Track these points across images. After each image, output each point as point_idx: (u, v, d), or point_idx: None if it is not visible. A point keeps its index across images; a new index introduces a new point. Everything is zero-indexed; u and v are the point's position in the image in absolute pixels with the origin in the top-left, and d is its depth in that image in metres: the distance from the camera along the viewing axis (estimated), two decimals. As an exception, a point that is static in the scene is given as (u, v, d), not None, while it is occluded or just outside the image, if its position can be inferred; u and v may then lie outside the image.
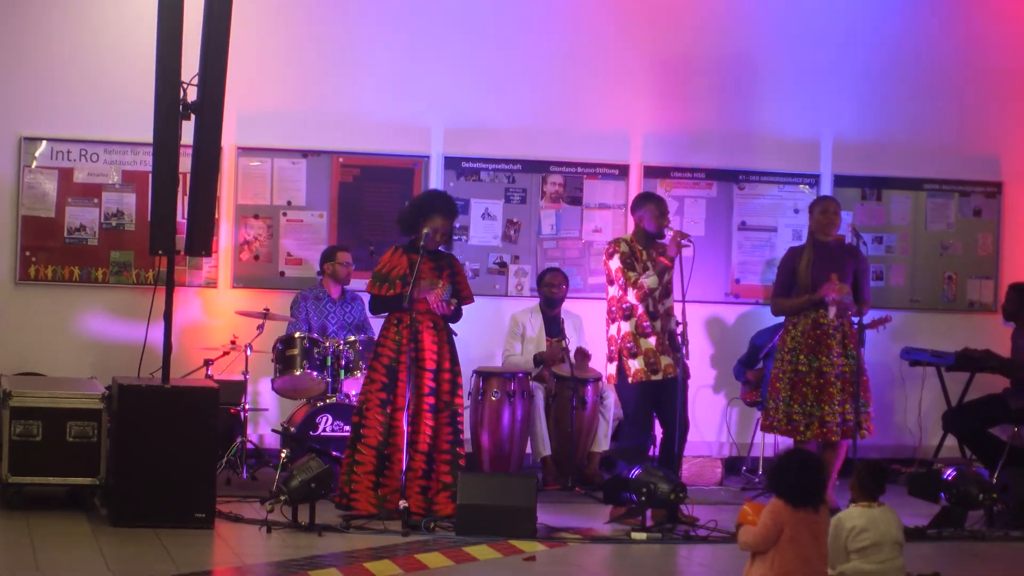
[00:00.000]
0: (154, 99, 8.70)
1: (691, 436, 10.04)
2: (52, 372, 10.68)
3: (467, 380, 9.81)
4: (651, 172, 11.69)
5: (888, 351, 11.86)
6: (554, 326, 11.02)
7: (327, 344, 10.19)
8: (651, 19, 11.75)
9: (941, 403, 11.69)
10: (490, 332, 11.19)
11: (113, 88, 10.86)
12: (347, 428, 10.02)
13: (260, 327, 10.45)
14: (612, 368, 9.64)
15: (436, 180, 11.41)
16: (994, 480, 10.05)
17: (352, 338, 10.30)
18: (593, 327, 11.01)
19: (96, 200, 11.01)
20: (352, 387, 10.29)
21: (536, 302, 11.18)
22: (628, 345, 9.54)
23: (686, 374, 9.63)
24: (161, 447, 8.58)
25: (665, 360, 9.52)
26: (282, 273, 11.29)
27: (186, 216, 9.13)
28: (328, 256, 10.79)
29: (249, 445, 10.48)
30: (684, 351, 9.49)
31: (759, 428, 10.73)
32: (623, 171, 11.77)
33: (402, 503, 8.72)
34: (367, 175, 11.42)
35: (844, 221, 10.33)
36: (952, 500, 9.20)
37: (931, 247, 12.25)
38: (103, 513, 8.86)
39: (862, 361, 9.90)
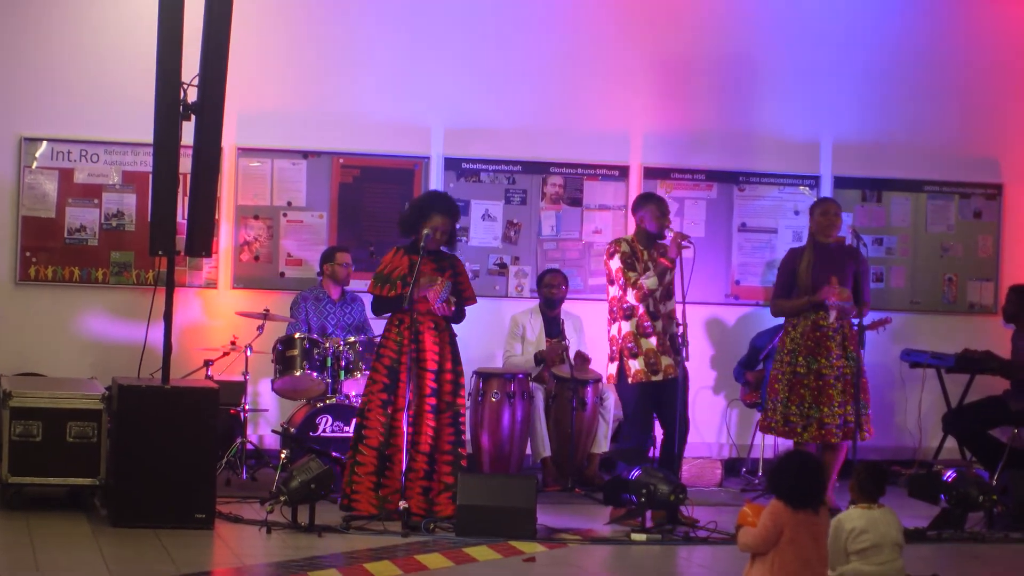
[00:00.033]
0: (154, 100, 8.70)
1: (691, 437, 10.04)
2: (52, 372, 10.68)
3: (467, 381, 9.80)
4: (651, 173, 11.69)
5: (888, 353, 11.86)
6: (554, 327, 11.02)
7: (327, 345, 10.19)
8: (651, 20, 11.76)
9: (941, 405, 11.69)
10: (490, 333, 11.18)
11: (113, 89, 10.86)
12: (347, 429, 10.03)
13: (260, 328, 10.45)
14: (613, 368, 9.64)
15: (436, 181, 11.41)
16: (994, 482, 10.05)
17: (352, 339, 10.30)
18: (593, 328, 11.01)
19: (96, 200, 11.01)
20: (352, 388, 10.29)
21: (536, 303, 11.18)
22: (629, 345, 9.54)
23: (686, 378, 9.62)
24: (161, 448, 8.58)
25: (666, 360, 9.52)
26: (282, 274, 11.29)
27: (186, 217, 9.13)
28: (327, 257, 10.79)
29: (249, 446, 10.48)
30: (684, 353, 9.49)
31: (758, 429, 10.74)
32: (623, 172, 11.77)
33: (402, 504, 8.71)
34: (367, 176, 11.42)
35: (844, 223, 10.32)
36: (952, 502, 9.20)
37: (931, 249, 12.25)
38: (103, 513, 8.86)
39: (862, 363, 9.90)
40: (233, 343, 10.47)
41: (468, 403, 10.20)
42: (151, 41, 8.69)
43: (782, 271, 10.13)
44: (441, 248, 9.23)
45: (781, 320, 10.22)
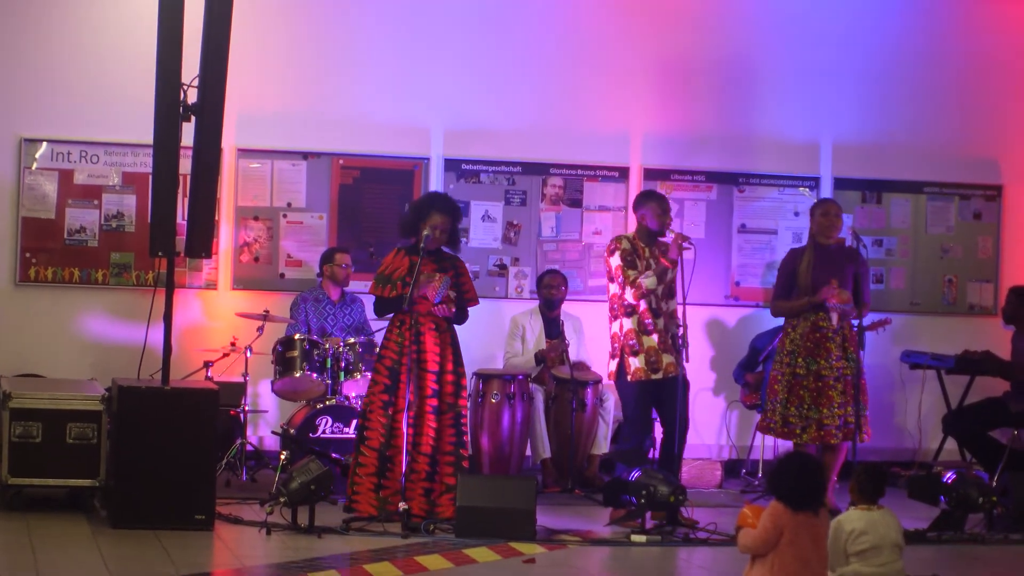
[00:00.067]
0: (154, 100, 8.70)
1: (691, 439, 10.03)
2: (52, 373, 10.68)
3: (468, 382, 9.80)
4: (651, 174, 11.69)
5: (888, 354, 11.86)
6: (554, 328, 11.02)
7: (327, 346, 10.19)
8: (651, 21, 11.76)
9: (941, 406, 11.69)
10: (490, 334, 11.18)
11: (113, 89, 10.86)
12: (346, 430, 10.04)
13: (260, 329, 10.44)
14: (613, 365, 9.63)
15: (436, 182, 11.41)
16: (994, 483, 10.04)
17: (352, 340, 10.30)
18: (593, 329, 11.02)
19: (96, 201, 11.01)
20: (352, 389, 10.29)
21: (536, 304, 11.18)
22: (631, 342, 9.52)
23: (686, 379, 9.61)
24: (161, 449, 8.58)
25: (667, 359, 9.49)
26: (282, 275, 11.29)
27: (186, 218, 9.13)
28: (327, 258, 10.80)
29: (249, 447, 10.48)
30: (684, 354, 9.48)
31: (756, 428, 10.74)
32: (623, 173, 11.77)
33: (402, 505, 8.71)
34: (367, 177, 11.42)
35: (844, 224, 10.32)
36: (952, 503, 9.20)
37: (931, 250, 12.25)
38: (103, 515, 8.86)
39: (861, 364, 9.91)
40: (233, 344, 10.47)
41: (468, 404, 10.19)
42: (151, 42, 8.70)
43: (782, 272, 10.14)
44: (443, 249, 9.21)
45: (781, 321, 10.22)
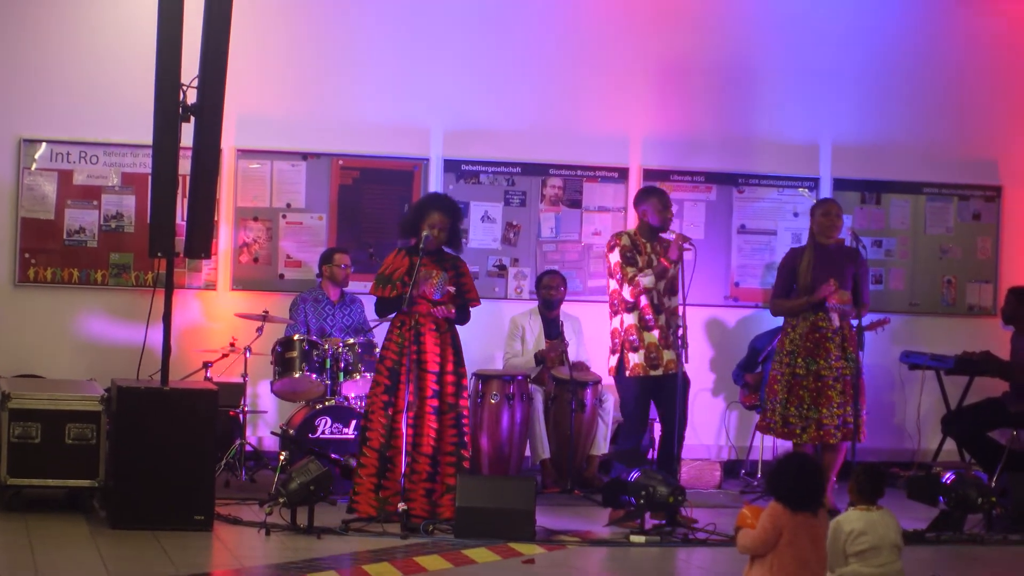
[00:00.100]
0: (154, 101, 8.70)
1: (690, 439, 10.04)
2: (51, 374, 10.68)
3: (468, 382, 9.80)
4: (650, 175, 11.68)
5: (887, 355, 11.86)
6: (553, 328, 11.02)
7: (326, 346, 10.19)
8: (651, 22, 11.76)
9: (940, 407, 11.69)
10: (489, 335, 11.18)
11: (113, 90, 10.86)
12: (346, 431, 10.05)
13: (259, 329, 10.45)
14: (613, 360, 9.61)
15: (435, 183, 11.41)
16: (993, 484, 10.04)
17: (351, 340, 10.30)
18: (592, 329, 11.02)
19: (95, 202, 11.01)
20: (351, 390, 10.29)
21: (535, 304, 11.18)
22: (631, 338, 9.51)
23: (686, 383, 9.60)
24: (160, 449, 8.57)
25: (668, 355, 9.48)
26: (281, 275, 11.29)
27: (185, 218, 9.13)
28: (326, 258, 10.80)
29: (248, 447, 10.48)
30: (684, 354, 9.48)
31: (755, 428, 10.74)
32: (623, 174, 11.77)
33: (401, 505, 8.71)
34: (366, 177, 11.42)
35: (844, 224, 10.32)
36: (951, 504, 9.20)
37: (930, 251, 12.25)
38: (102, 515, 8.86)
39: (860, 364, 9.91)
40: (232, 345, 10.47)
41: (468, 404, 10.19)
42: (151, 42, 8.70)
43: (782, 271, 10.14)
44: (444, 249, 9.20)
45: (780, 322, 10.22)
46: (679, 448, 9.57)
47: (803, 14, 12.00)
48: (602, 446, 10.84)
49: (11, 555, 7.85)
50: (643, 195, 9.81)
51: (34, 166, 10.92)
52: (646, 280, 9.46)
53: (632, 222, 10.94)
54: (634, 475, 8.87)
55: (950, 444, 11.48)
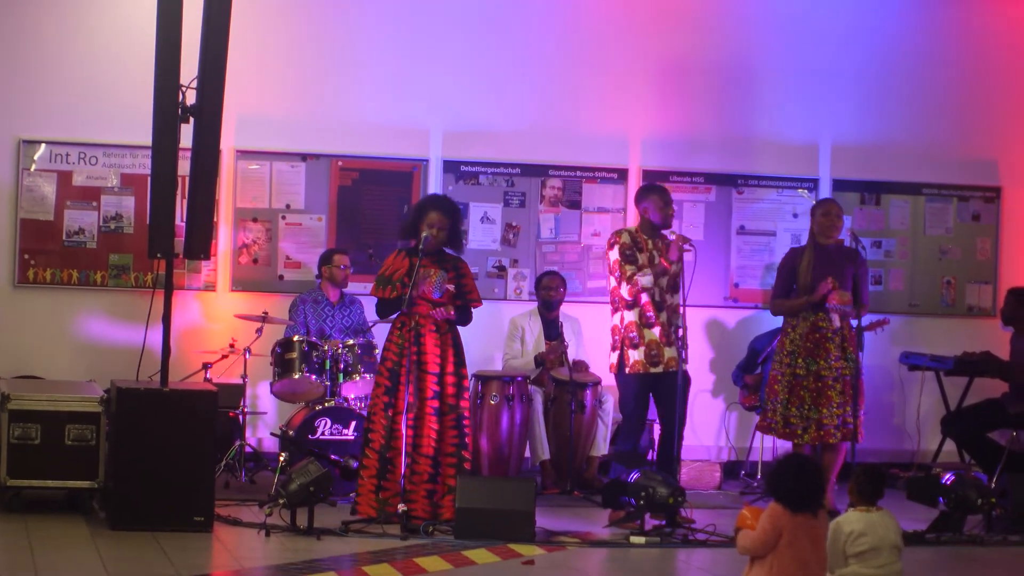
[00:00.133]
0: (153, 102, 8.70)
1: (690, 440, 10.04)
2: (50, 375, 10.68)
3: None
4: (650, 176, 11.67)
5: (887, 355, 11.87)
6: (552, 329, 11.01)
7: (326, 347, 10.18)
8: (650, 22, 11.76)
9: (940, 407, 11.69)
10: (488, 336, 11.17)
11: (112, 91, 10.86)
12: (345, 432, 10.05)
13: (259, 330, 10.44)
14: (614, 358, 9.61)
15: (435, 184, 11.41)
16: (992, 485, 10.04)
17: (351, 341, 10.30)
18: (592, 330, 11.02)
19: (95, 203, 11.01)
20: (351, 391, 10.29)
21: (534, 305, 11.18)
22: (631, 335, 9.50)
23: (687, 381, 9.60)
24: (160, 450, 8.57)
25: (668, 353, 9.47)
26: (281, 276, 11.29)
27: (185, 219, 9.13)
28: (325, 259, 10.80)
29: (248, 448, 10.48)
30: (684, 355, 9.48)
31: (756, 429, 10.74)
32: (622, 175, 11.77)
33: (401, 507, 8.71)
34: (366, 178, 11.42)
35: (844, 225, 10.31)
36: (950, 505, 9.20)
37: (930, 252, 12.25)
38: (101, 516, 8.86)
39: (860, 365, 9.91)
40: (232, 346, 10.47)
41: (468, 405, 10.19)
42: (150, 43, 8.70)
43: (782, 271, 10.14)
44: (445, 250, 9.18)
45: (780, 323, 10.22)
46: (678, 449, 9.57)
47: (803, 14, 12.00)
48: (602, 447, 10.84)
49: (11, 556, 7.84)
50: (644, 192, 9.82)
51: (33, 167, 10.92)
52: (644, 279, 9.46)
53: (631, 223, 10.95)
54: (634, 476, 8.87)
55: (950, 445, 11.48)
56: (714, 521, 9.07)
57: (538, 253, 11.65)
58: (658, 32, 11.78)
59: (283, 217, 11.30)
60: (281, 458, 9.84)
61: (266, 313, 10.42)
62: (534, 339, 11.02)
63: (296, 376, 10.16)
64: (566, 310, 11.14)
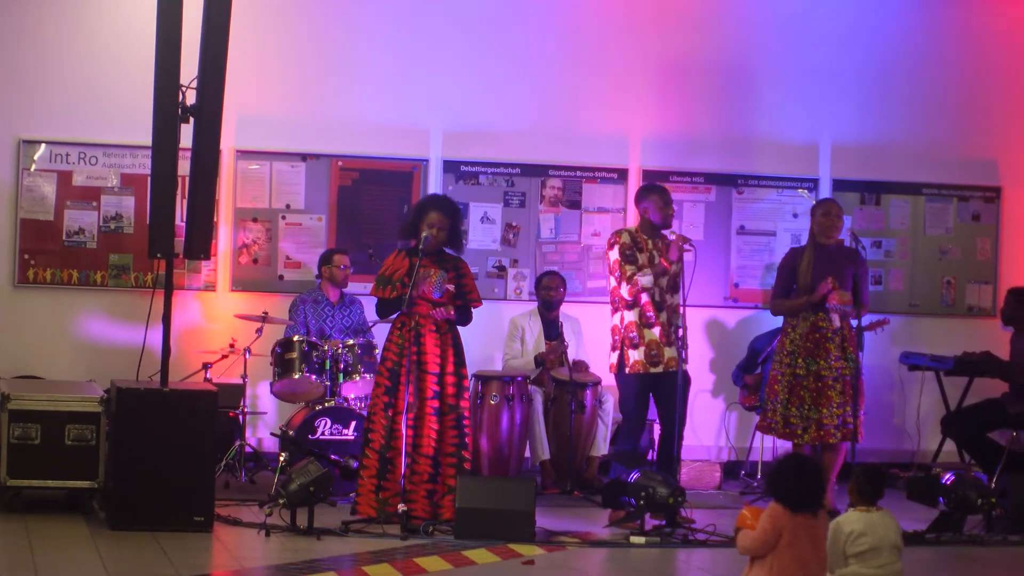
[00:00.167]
0: (153, 102, 8.70)
1: (690, 440, 10.03)
2: (50, 375, 10.68)
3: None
4: (650, 176, 11.67)
5: (887, 355, 11.86)
6: (552, 329, 11.01)
7: (326, 347, 10.18)
8: (650, 22, 11.76)
9: (940, 407, 11.69)
10: (488, 336, 11.17)
11: (112, 91, 10.86)
12: (345, 432, 10.05)
13: (259, 330, 10.44)
14: (614, 358, 9.60)
15: (435, 184, 11.41)
16: (992, 485, 10.04)
17: (351, 341, 10.30)
18: (592, 330, 11.02)
19: (95, 203, 11.01)
20: (351, 391, 10.29)
21: (534, 305, 11.18)
22: (631, 335, 9.50)
23: (687, 381, 9.60)
24: (160, 450, 8.57)
25: (669, 353, 9.46)
26: (281, 276, 11.29)
27: (185, 219, 9.13)
28: (325, 259, 10.80)
29: (248, 448, 10.48)
30: (683, 355, 9.47)
31: (756, 428, 10.74)
32: (622, 175, 11.77)
33: (401, 506, 8.71)
34: (366, 179, 11.42)
35: (844, 225, 10.31)
36: (950, 505, 9.20)
37: (930, 252, 12.25)
38: (101, 516, 8.86)
39: (860, 365, 9.91)
40: (232, 346, 10.47)
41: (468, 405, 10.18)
42: (150, 43, 8.69)
43: (782, 271, 10.15)
44: (446, 250, 9.18)
45: (780, 323, 10.22)
46: (678, 449, 9.57)
47: (803, 14, 12.00)
48: (602, 447, 10.84)
49: (11, 556, 7.84)
50: (644, 192, 9.82)
51: (33, 167, 10.92)
52: (644, 280, 9.46)
53: (632, 223, 10.95)
54: (634, 476, 8.87)
55: (950, 445, 11.48)
56: (714, 521, 9.07)
57: (538, 253, 11.65)
58: (658, 32, 11.78)
59: (283, 217, 11.30)
60: (281, 458, 9.84)
61: (266, 313, 10.42)
62: (534, 339, 11.02)
63: (296, 376, 10.16)
64: (566, 310, 11.14)
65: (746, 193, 11.97)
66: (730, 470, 11.51)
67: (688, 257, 9.61)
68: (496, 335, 11.21)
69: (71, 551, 7.99)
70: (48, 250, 10.94)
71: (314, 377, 10.16)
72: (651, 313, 9.49)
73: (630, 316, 9.51)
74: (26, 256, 10.91)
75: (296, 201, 11.31)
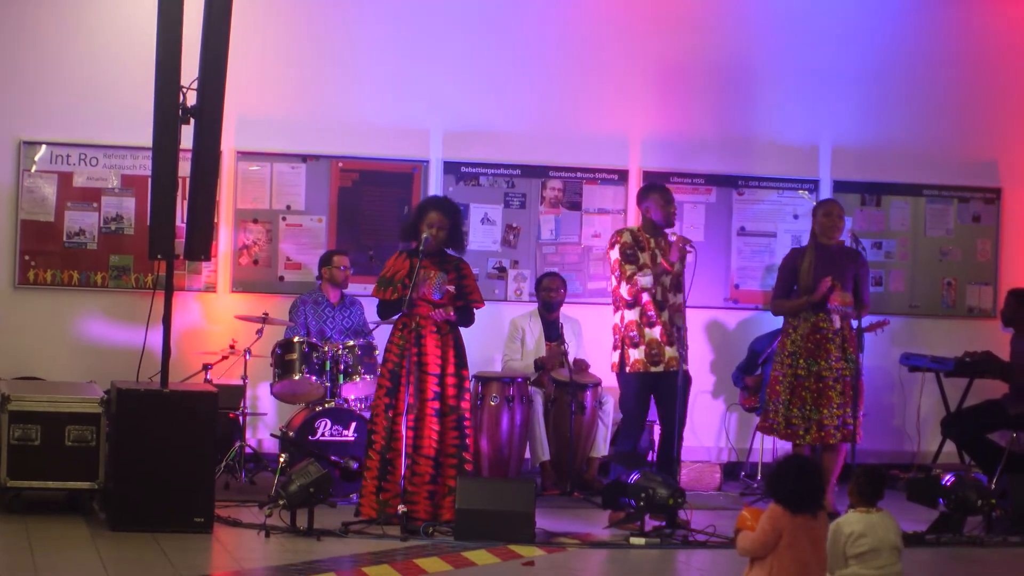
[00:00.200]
0: (153, 103, 8.70)
1: (690, 441, 10.02)
2: (51, 376, 10.68)
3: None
4: (650, 177, 11.65)
5: (887, 356, 11.86)
6: (553, 331, 11.01)
7: (326, 348, 10.18)
8: (650, 24, 11.76)
9: (940, 409, 11.69)
10: (488, 337, 11.16)
11: (112, 92, 10.86)
12: (345, 433, 10.05)
13: (259, 331, 10.45)
14: (616, 357, 9.60)
15: (435, 185, 11.41)
16: (992, 486, 10.03)
17: (351, 342, 10.30)
18: (592, 331, 11.02)
19: (95, 204, 11.01)
20: (351, 392, 10.29)
21: (535, 307, 11.18)
22: (631, 334, 9.48)
23: (687, 382, 9.59)
24: (160, 451, 8.57)
25: (669, 353, 9.45)
26: (281, 278, 11.29)
27: (185, 220, 9.13)
28: (325, 260, 10.80)
29: (248, 449, 10.48)
30: (684, 355, 9.47)
31: (756, 429, 10.74)
32: (622, 176, 11.77)
33: (401, 508, 8.70)
34: (366, 180, 11.42)
35: (846, 225, 10.31)
36: (951, 506, 9.20)
37: (930, 253, 12.25)
38: (102, 517, 8.86)
39: (860, 366, 9.91)
40: (232, 347, 10.46)
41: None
42: (150, 44, 8.70)
43: (783, 271, 10.15)
44: (447, 251, 9.18)
45: (780, 324, 10.22)
46: (678, 450, 9.56)
47: (803, 14, 12.00)
48: (602, 448, 10.84)
49: (11, 557, 7.84)
50: (645, 192, 9.81)
51: (34, 168, 10.92)
52: (644, 280, 9.44)
53: (632, 224, 10.95)
54: (634, 477, 8.87)
55: (950, 446, 11.48)
56: (714, 522, 9.07)
57: (538, 254, 11.65)
58: (658, 32, 11.79)
59: (283, 218, 11.30)
60: (281, 459, 9.84)
61: (266, 314, 10.43)
62: (534, 340, 11.02)
63: (296, 377, 10.16)
64: (566, 311, 11.14)
65: (746, 194, 11.97)
66: (730, 471, 11.51)
67: (689, 258, 9.59)
68: (496, 336, 11.21)
69: (71, 552, 7.99)
70: (48, 251, 10.94)
71: (314, 378, 10.16)
72: (652, 312, 9.48)
73: (631, 315, 9.50)
74: (26, 257, 10.92)
75: (296, 202, 11.31)
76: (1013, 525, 9.39)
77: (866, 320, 10.16)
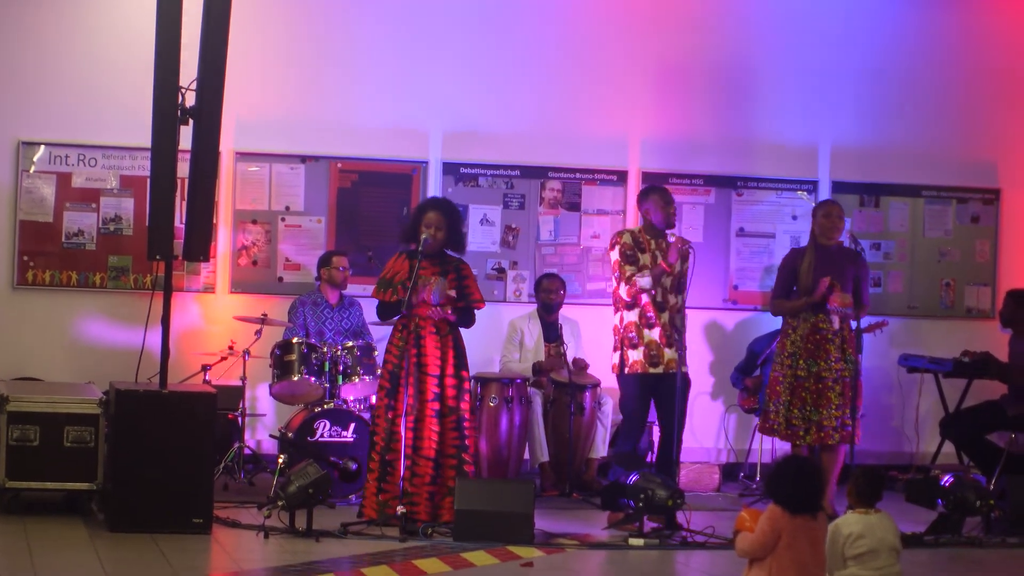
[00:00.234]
0: (152, 104, 8.70)
1: (689, 442, 10.02)
2: (49, 377, 10.68)
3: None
4: (649, 178, 11.67)
5: (886, 357, 11.86)
6: (552, 332, 11.01)
7: (325, 349, 10.18)
8: (650, 24, 11.76)
9: (938, 409, 11.69)
10: (488, 338, 11.16)
11: (111, 92, 10.86)
12: (344, 434, 10.04)
13: (258, 332, 10.44)
14: (616, 358, 9.59)
15: (434, 186, 11.41)
16: (991, 487, 10.03)
17: (350, 343, 10.30)
18: (592, 332, 11.02)
19: (94, 205, 11.01)
20: (350, 392, 10.29)
21: (534, 308, 11.18)
22: (630, 335, 9.48)
23: (687, 383, 9.58)
24: (159, 452, 8.57)
25: (669, 354, 9.45)
26: (280, 278, 11.29)
27: (184, 221, 9.13)
28: (324, 261, 10.80)
29: (247, 450, 10.48)
30: (682, 356, 9.46)
31: (756, 430, 10.74)
32: (622, 177, 11.77)
33: (400, 508, 8.70)
34: (365, 180, 11.42)
35: (845, 226, 10.31)
36: (949, 507, 9.20)
37: (929, 254, 12.25)
38: (100, 518, 8.86)
39: (859, 367, 9.91)
40: (231, 348, 10.46)
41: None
42: (149, 45, 8.69)
43: (782, 271, 10.14)
44: (447, 252, 9.17)
45: (779, 325, 10.22)
46: (677, 451, 9.56)
47: (803, 14, 12.00)
48: (601, 449, 10.84)
49: (10, 558, 7.84)
50: (645, 194, 9.81)
51: (33, 169, 10.92)
52: (643, 281, 9.44)
53: (631, 225, 10.95)
54: (633, 478, 8.87)
55: (948, 447, 11.48)
56: (713, 523, 9.07)
57: (537, 255, 11.65)
58: (658, 32, 11.79)
59: (282, 219, 11.30)
60: (280, 460, 9.83)
61: (265, 315, 10.43)
62: (533, 341, 11.02)
63: (295, 378, 10.16)
64: (566, 312, 11.14)
65: (745, 195, 11.97)
66: (729, 472, 11.51)
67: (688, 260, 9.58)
68: (496, 337, 11.20)
69: (70, 553, 7.99)
70: (47, 252, 10.94)
71: (313, 379, 10.16)
72: (651, 314, 9.48)
73: (630, 316, 9.50)
74: (25, 258, 10.91)
75: (295, 203, 11.31)
76: (1012, 526, 9.40)
77: (865, 321, 10.17)
